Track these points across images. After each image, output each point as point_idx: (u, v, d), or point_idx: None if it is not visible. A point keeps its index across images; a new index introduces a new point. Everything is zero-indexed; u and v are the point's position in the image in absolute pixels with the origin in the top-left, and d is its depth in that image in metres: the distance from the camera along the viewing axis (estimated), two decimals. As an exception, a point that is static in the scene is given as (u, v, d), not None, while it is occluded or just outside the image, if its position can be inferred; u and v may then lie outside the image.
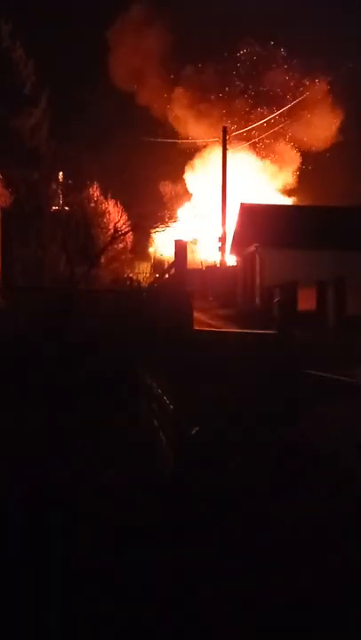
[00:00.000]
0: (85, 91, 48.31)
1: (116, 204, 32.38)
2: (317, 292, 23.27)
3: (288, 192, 50.42)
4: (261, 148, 48.76)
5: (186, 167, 50.58)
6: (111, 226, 26.54)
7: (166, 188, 51.05)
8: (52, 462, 6.23)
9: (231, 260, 38.33)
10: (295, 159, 50.24)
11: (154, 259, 51.19)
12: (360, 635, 3.36)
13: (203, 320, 23.11)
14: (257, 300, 30.03)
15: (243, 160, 46.48)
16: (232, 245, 36.71)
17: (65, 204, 26.66)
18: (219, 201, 38.17)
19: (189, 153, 50.38)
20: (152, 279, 21.31)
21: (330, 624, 3.41)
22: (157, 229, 27.94)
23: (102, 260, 28.69)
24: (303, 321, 17.49)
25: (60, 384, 9.53)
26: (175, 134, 50.37)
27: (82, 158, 31.77)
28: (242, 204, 34.78)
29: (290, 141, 49.97)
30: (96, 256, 24.42)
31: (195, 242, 45.01)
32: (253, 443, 5.99)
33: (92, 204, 29.72)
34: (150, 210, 30.47)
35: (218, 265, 39.15)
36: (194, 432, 5.59)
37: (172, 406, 5.78)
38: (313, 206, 38.46)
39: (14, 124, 22.98)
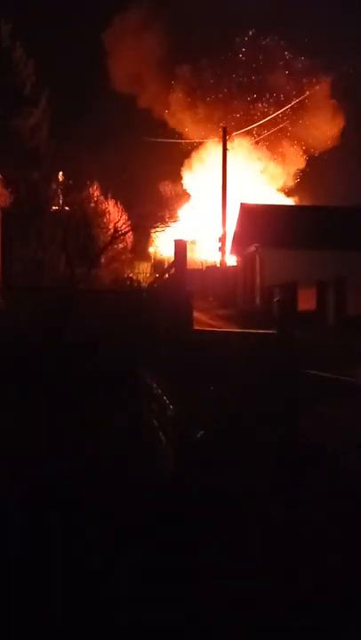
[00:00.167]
0: (85, 91, 48.39)
1: (116, 203, 32.42)
2: (317, 292, 23.27)
3: (288, 192, 50.44)
4: (262, 148, 48.75)
5: (183, 166, 50.62)
6: (111, 226, 26.57)
7: (166, 188, 51.07)
8: (51, 462, 6.23)
9: (231, 260, 38.32)
10: (297, 159, 50.23)
11: (154, 259, 51.20)
12: (360, 635, 3.36)
13: (203, 320, 23.09)
14: (257, 300, 30.02)
15: (243, 160, 46.48)
16: (232, 245, 36.69)
17: (65, 204, 26.68)
18: (219, 201, 38.15)
19: (189, 153, 50.44)
20: (152, 279, 21.33)
21: (330, 624, 3.40)
22: (157, 229, 27.94)
23: (102, 260, 28.72)
24: (303, 321, 17.47)
25: (59, 384, 9.53)
26: (175, 134, 50.45)
27: (82, 158, 31.78)
28: (242, 204, 34.78)
29: (292, 141, 49.96)
30: (96, 256, 24.45)
31: (194, 242, 45.01)
32: (253, 443, 5.99)
33: (92, 204, 29.74)
34: (150, 210, 30.51)
35: (218, 265, 39.14)
36: (199, 435, 5.59)
37: (171, 406, 5.78)
38: (313, 206, 38.45)
39: (14, 123, 23.01)
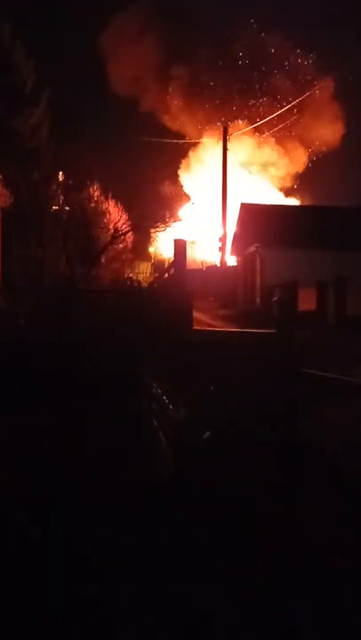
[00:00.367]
0: (85, 91, 48.44)
1: (116, 204, 32.41)
2: (318, 292, 23.28)
3: (289, 192, 50.45)
4: (263, 148, 48.70)
5: (181, 167, 50.65)
6: (111, 226, 26.55)
7: (167, 188, 51.09)
8: (51, 462, 6.23)
9: (231, 260, 38.31)
10: (298, 159, 50.22)
11: (154, 259, 51.23)
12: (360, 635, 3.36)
13: (203, 320, 23.09)
14: (257, 300, 30.02)
15: (244, 160, 46.48)
16: (232, 245, 36.69)
17: (65, 203, 26.66)
18: (219, 201, 38.15)
19: (189, 153, 50.42)
20: (152, 279, 21.32)
21: (330, 624, 3.40)
22: (158, 229, 27.94)
23: (102, 260, 28.72)
24: (303, 321, 17.45)
25: (59, 384, 9.53)
26: (176, 134, 50.43)
27: (82, 158, 31.75)
28: (242, 203, 34.78)
29: (293, 141, 49.94)
30: (96, 256, 24.43)
31: (193, 242, 45.03)
32: (253, 442, 5.98)
33: (92, 204, 29.71)
34: (151, 210, 30.49)
35: (218, 265, 39.14)
36: (205, 437, 5.59)
37: (171, 406, 5.78)
38: (313, 206, 38.47)
39: (14, 123, 22.98)
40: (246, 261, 33.92)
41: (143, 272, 46.72)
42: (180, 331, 5.66)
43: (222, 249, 37.81)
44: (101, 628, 3.35)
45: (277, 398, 5.83)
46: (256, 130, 45.02)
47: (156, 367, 7.43)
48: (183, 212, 44.97)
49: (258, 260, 30.76)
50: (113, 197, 33.03)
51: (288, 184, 50.63)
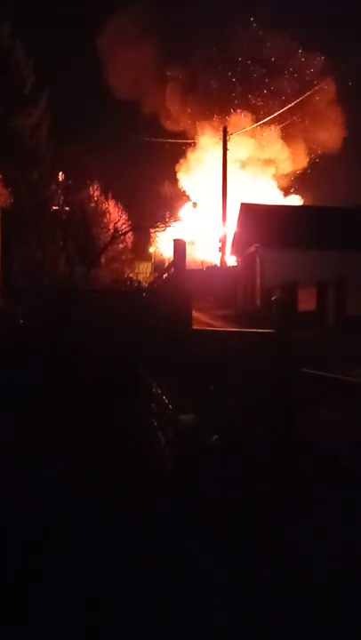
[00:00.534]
0: (85, 91, 48.43)
1: (116, 204, 32.39)
2: (318, 293, 23.31)
3: (289, 192, 50.42)
4: (265, 148, 48.67)
5: (180, 167, 50.62)
6: (111, 226, 26.52)
7: (166, 188, 51.07)
8: (51, 462, 6.23)
9: (231, 261, 38.31)
10: (300, 159, 50.20)
11: (154, 259, 51.22)
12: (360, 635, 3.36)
13: (203, 320, 23.10)
14: (257, 300, 30.02)
15: (244, 160, 46.48)
16: (232, 246, 36.69)
17: (65, 203, 26.63)
18: (219, 201, 38.14)
19: (188, 152, 50.40)
20: (152, 279, 21.27)
21: (330, 624, 3.40)
22: (157, 229, 27.90)
23: (102, 260, 28.70)
24: (303, 321, 17.51)
25: (59, 384, 9.54)
26: (176, 134, 50.41)
27: (82, 158, 31.78)
28: (242, 203, 34.78)
29: (293, 141, 49.89)
30: (96, 256, 24.40)
31: (193, 243, 45.03)
32: (253, 442, 5.98)
33: (92, 204, 29.70)
34: (150, 210, 30.46)
35: (218, 265, 39.14)
36: (213, 439, 5.59)
37: (171, 406, 5.77)
38: (314, 207, 38.48)
39: (14, 123, 22.97)
40: (246, 261, 33.92)
41: (143, 272, 46.70)
42: (179, 330, 5.66)
43: (222, 249, 37.81)
44: (101, 627, 3.35)
45: (277, 398, 5.84)
46: (258, 130, 45.04)
47: (155, 367, 7.43)
48: (183, 212, 45.00)
49: (258, 260, 30.75)
50: (113, 197, 33.01)
51: (288, 184, 50.65)
